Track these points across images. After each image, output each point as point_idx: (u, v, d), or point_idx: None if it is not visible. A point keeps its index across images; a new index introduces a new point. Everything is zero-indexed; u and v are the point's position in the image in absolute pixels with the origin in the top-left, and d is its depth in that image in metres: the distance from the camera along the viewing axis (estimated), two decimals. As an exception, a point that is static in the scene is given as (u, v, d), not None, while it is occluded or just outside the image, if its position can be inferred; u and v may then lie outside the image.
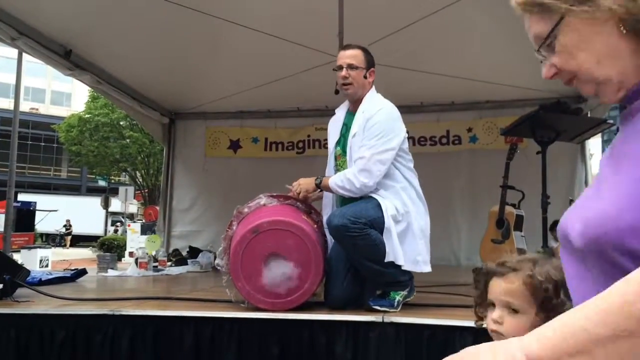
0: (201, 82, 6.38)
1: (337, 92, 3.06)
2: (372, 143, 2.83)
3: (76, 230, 27.09)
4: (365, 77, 2.99)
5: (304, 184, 3.04)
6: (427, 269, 2.91)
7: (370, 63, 3.04)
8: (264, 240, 2.76)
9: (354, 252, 2.76)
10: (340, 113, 3.19)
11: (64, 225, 27.56)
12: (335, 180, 2.90)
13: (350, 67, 2.97)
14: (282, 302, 2.75)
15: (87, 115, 26.33)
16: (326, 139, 3.43)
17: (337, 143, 3.12)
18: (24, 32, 4.52)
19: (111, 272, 5.12)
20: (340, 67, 2.99)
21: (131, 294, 3.61)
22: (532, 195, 4.59)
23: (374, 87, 3.08)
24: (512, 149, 4.79)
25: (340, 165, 3.09)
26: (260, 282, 2.75)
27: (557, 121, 3.27)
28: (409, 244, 2.85)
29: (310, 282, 2.75)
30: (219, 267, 2.99)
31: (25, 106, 30.85)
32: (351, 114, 3.08)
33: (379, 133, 2.83)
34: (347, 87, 2.99)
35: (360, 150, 2.86)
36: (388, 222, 2.77)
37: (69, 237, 27.79)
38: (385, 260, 2.73)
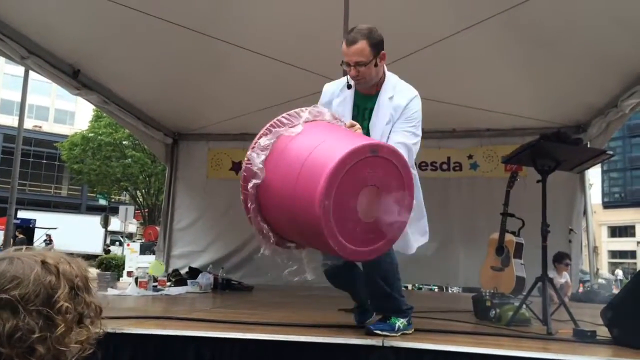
0: (205, 104, 6.46)
1: (349, 86, 2.88)
2: (412, 130, 2.77)
3: (74, 248, 26.75)
4: (376, 65, 2.81)
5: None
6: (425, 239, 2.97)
7: (378, 48, 2.78)
8: (374, 167, 2.13)
9: (373, 268, 2.71)
10: (346, 92, 2.93)
11: (45, 240, 26.33)
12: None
13: (358, 64, 2.76)
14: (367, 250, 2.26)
15: (90, 134, 26.47)
16: None
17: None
18: (34, 52, 4.61)
19: (111, 291, 5.12)
20: (348, 65, 2.79)
21: (131, 313, 3.61)
22: (531, 223, 4.62)
23: (385, 67, 2.92)
24: (513, 177, 4.83)
25: None
26: (354, 219, 2.13)
27: (557, 150, 3.31)
28: (414, 226, 2.85)
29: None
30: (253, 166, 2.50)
31: (28, 123, 30.96)
32: (363, 96, 2.92)
33: (417, 122, 2.80)
34: (359, 81, 2.83)
35: (399, 135, 2.75)
36: None
37: None
38: (394, 248, 2.67)
